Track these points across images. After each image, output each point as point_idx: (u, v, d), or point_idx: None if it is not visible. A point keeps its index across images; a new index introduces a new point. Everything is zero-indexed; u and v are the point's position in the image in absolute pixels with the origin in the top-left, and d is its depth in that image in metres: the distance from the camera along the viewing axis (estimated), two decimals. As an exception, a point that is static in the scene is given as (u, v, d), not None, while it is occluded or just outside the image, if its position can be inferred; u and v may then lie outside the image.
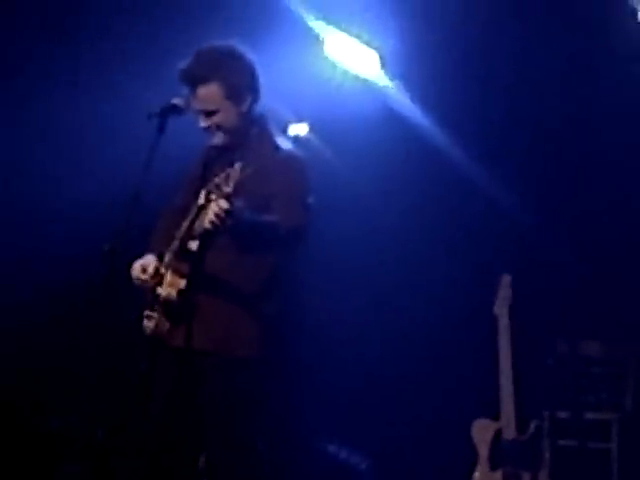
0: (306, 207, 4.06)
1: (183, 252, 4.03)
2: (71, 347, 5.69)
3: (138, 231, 4.14)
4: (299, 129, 7.01)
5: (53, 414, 6.19)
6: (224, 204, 3.74)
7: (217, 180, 3.91)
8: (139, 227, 4.11)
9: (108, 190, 5.41)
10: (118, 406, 5.89)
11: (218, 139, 4.15)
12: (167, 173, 4.29)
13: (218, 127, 4.12)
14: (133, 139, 4.13)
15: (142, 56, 5.93)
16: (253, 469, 4.11)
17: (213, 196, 3.83)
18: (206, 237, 3.97)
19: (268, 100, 4.42)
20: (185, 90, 4.12)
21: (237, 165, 3.87)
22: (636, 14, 6.08)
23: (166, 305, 4.05)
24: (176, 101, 4.13)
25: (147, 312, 4.11)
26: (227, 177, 3.86)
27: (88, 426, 5.98)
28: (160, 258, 4.16)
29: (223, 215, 3.73)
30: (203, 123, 4.13)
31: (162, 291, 4.04)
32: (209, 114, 4.11)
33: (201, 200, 3.96)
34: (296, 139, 6.77)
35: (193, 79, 4.09)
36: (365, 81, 6.75)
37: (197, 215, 3.99)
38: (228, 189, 3.80)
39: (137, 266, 4.15)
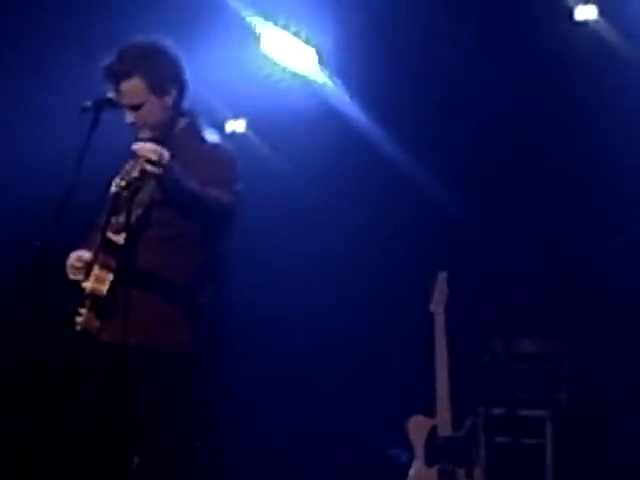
0: (232, 191, 4.05)
1: (106, 245, 4.01)
2: (2, 345, 5.62)
3: (71, 227, 4.11)
4: (237, 126, 7.00)
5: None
6: (152, 148, 3.76)
7: (127, 167, 3.98)
8: (73, 223, 4.07)
9: (41, 185, 5.34)
10: (50, 404, 5.83)
11: (145, 134, 4.13)
12: (105, 168, 4.27)
13: (144, 122, 4.10)
14: (67, 133, 4.08)
15: (75, 52, 5.87)
16: (188, 469, 4.07)
17: (123, 182, 3.91)
18: (132, 228, 3.97)
19: (205, 96, 4.39)
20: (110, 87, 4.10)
21: None
22: (572, 14, 6.15)
23: (94, 300, 4.01)
24: (110, 95, 4.10)
25: (78, 308, 4.07)
26: (135, 162, 3.92)
27: (19, 425, 5.92)
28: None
29: (154, 157, 3.72)
30: (129, 118, 4.11)
31: (88, 286, 4.01)
32: (134, 109, 4.09)
33: (113, 189, 3.96)
34: (233, 135, 6.76)
35: (115, 75, 4.08)
36: (303, 78, 6.75)
37: (112, 206, 3.98)
38: (135, 173, 3.87)
39: (73, 256, 4.11)
